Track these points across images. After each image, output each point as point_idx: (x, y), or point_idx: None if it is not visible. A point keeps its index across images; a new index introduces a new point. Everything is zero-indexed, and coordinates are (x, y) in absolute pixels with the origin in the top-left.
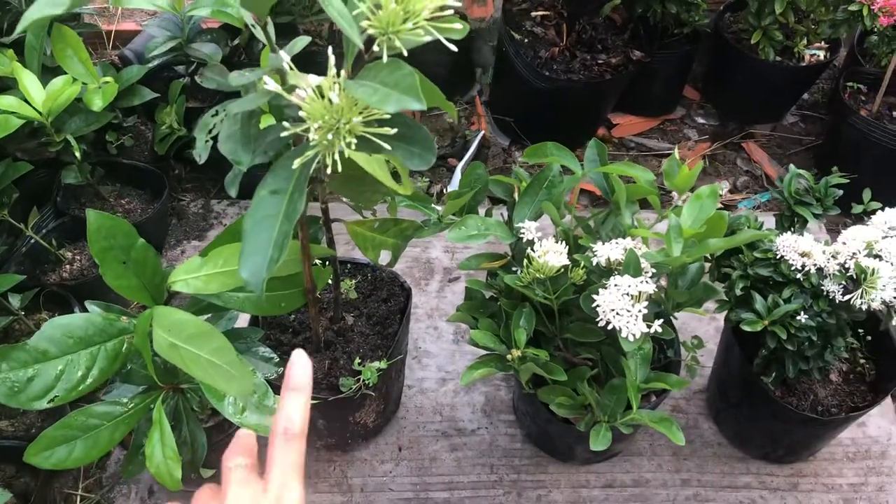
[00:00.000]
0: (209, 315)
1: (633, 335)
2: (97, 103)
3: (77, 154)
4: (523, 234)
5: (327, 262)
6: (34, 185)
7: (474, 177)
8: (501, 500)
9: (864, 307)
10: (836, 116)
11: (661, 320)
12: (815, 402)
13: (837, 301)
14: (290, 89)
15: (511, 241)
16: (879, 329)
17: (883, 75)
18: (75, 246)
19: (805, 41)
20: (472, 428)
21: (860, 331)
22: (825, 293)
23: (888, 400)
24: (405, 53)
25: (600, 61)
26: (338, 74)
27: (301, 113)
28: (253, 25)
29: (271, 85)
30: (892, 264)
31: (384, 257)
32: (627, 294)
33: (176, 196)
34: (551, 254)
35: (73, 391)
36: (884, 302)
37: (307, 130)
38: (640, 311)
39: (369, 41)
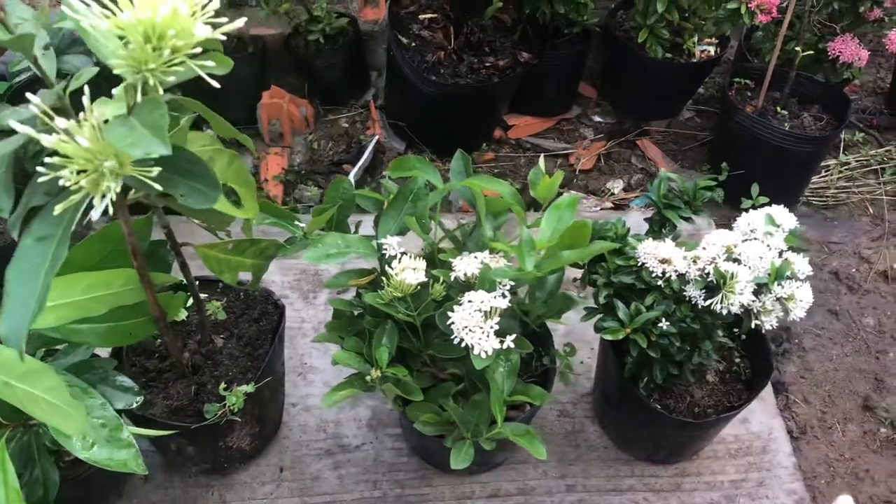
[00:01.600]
0: (63, 346)
1: (486, 352)
2: None
3: None
4: (385, 250)
5: (180, 289)
6: None
7: (340, 191)
8: None
9: (725, 311)
10: (724, 113)
11: (513, 336)
12: (692, 403)
13: (700, 306)
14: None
15: (377, 258)
16: (741, 331)
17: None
18: None
19: (695, 38)
20: (356, 444)
21: (735, 330)
22: (687, 299)
23: (770, 395)
24: (161, 92)
25: (487, 64)
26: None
27: (54, 159)
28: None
29: (20, 127)
30: (749, 268)
31: (246, 277)
32: (479, 310)
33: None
34: (408, 271)
35: None
36: (742, 305)
37: (67, 174)
38: (491, 327)
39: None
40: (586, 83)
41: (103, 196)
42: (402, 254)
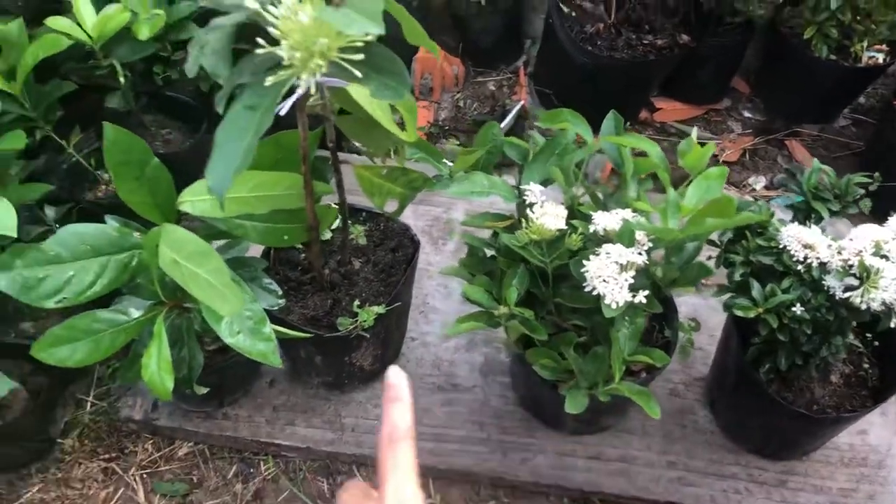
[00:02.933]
0: (222, 242)
1: (617, 302)
2: (144, 33)
3: (121, 79)
4: (527, 196)
5: (336, 205)
6: (82, 108)
7: (490, 136)
8: (486, 457)
9: (864, 306)
10: (883, 123)
11: (646, 292)
12: (812, 400)
13: (837, 297)
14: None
15: (515, 203)
16: (878, 330)
17: None
18: None
19: (864, 42)
20: (467, 385)
21: (868, 335)
22: (825, 288)
23: (893, 410)
24: None
25: (645, 42)
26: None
27: (275, 32)
28: None
29: (249, 1)
30: None
31: (391, 206)
32: (616, 262)
33: (214, 132)
34: (549, 216)
35: (81, 295)
36: (884, 303)
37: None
38: (626, 279)
39: None
40: (740, 77)
41: (311, 74)
42: (545, 201)
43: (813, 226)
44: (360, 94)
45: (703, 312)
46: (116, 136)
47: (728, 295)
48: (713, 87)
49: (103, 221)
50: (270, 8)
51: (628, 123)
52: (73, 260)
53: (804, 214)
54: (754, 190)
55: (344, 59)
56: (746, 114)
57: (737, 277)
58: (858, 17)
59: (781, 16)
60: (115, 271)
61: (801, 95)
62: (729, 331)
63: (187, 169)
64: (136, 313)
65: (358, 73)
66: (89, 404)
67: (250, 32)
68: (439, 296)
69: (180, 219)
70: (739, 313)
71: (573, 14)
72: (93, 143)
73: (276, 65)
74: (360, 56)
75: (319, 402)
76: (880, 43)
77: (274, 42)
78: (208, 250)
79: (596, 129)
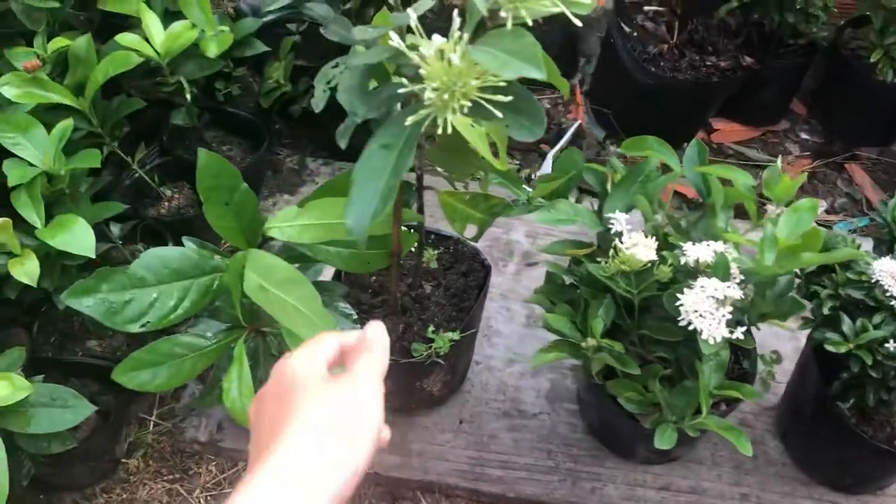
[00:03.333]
0: (297, 266)
1: (714, 338)
2: (212, 50)
3: (187, 96)
4: (612, 224)
5: (413, 230)
6: (143, 123)
7: (569, 162)
8: (556, 486)
9: None
10: None
11: (744, 328)
12: (892, 434)
13: None
14: (411, 48)
15: (598, 231)
16: None
17: None
18: (175, 185)
19: None
20: (533, 411)
21: None
22: None
23: None
24: (529, 23)
25: (709, 63)
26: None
27: (421, 72)
28: None
29: (396, 41)
30: None
31: (469, 231)
32: (713, 297)
33: (274, 150)
34: (640, 247)
35: (164, 319)
36: None
37: (423, 90)
38: (723, 315)
39: (492, 8)
40: (797, 98)
41: (452, 113)
42: (630, 230)
43: None
44: (460, 123)
45: (768, 340)
46: (208, 161)
47: (813, 327)
48: (772, 109)
49: (166, 240)
50: (417, 47)
51: (685, 144)
52: (157, 283)
53: (887, 246)
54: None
55: (487, 100)
56: (804, 135)
57: (825, 311)
58: None
59: (842, 38)
60: (197, 294)
61: (862, 118)
62: (806, 362)
63: (250, 186)
64: (215, 337)
65: (498, 114)
66: (152, 423)
67: (378, 70)
68: (502, 318)
69: (263, 243)
70: (831, 348)
71: (635, 34)
72: (155, 159)
73: (407, 100)
74: (507, 98)
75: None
76: None
77: (413, 78)
78: (299, 277)
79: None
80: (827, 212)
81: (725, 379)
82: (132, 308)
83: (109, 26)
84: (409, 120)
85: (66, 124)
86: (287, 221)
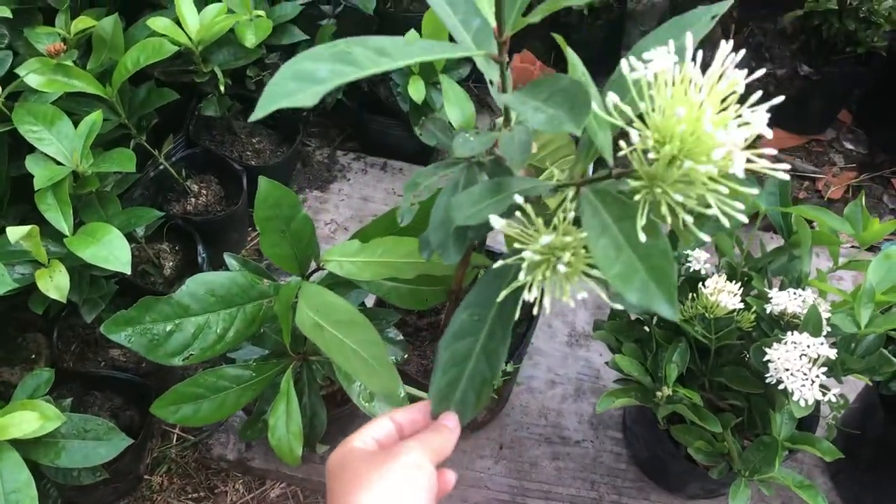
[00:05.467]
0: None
1: (807, 400)
2: (250, 39)
3: (222, 87)
4: (690, 262)
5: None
6: (168, 110)
7: None
8: None
9: None
10: None
11: (838, 390)
12: None
13: None
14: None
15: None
16: None
17: None
18: (201, 178)
19: None
20: (576, 438)
21: None
22: None
23: None
24: (668, 220)
25: (766, 70)
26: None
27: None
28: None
29: (508, 230)
30: None
31: None
32: (806, 355)
33: (302, 140)
34: (725, 294)
35: (209, 350)
36: None
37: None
38: (817, 375)
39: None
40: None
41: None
42: (708, 273)
43: None
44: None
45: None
46: (269, 191)
47: (889, 377)
48: (820, 118)
49: (195, 241)
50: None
51: None
52: (202, 312)
53: None
54: None
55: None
56: (848, 145)
57: None
58: None
59: None
60: (243, 322)
61: None
62: (869, 404)
63: (280, 180)
64: (259, 368)
65: (602, 294)
66: (175, 437)
67: None
68: (543, 336)
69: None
70: None
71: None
72: (180, 151)
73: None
74: (601, 275)
75: None
76: None
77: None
78: (360, 320)
79: None
80: None
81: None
82: (176, 339)
83: (135, 3)
84: (502, 295)
85: (94, 117)
86: (347, 256)
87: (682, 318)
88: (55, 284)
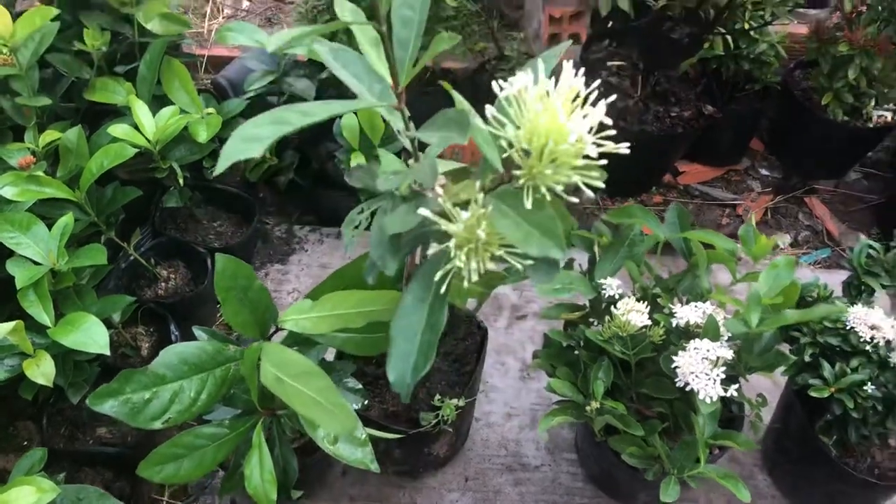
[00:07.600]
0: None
1: (711, 398)
2: (203, 135)
3: (180, 180)
4: (605, 289)
5: None
6: (134, 204)
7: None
8: None
9: None
10: None
11: (737, 385)
12: (872, 464)
13: None
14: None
15: (591, 296)
16: None
17: None
18: (169, 264)
19: (873, 102)
20: (535, 464)
21: None
22: (892, 365)
23: None
24: (548, 198)
25: (673, 114)
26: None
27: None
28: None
29: (425, 212)
30: None
31: (469, 304)
32: (706, 358)
33: (261, 219)
34: (634, 313)
35: (186, 413)
36: None
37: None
38: (717, 375)
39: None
40: (755, 137)
41: (475, 265)
42: (622, 295)
43: (876, 306)
44: None
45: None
46: (225, 265)
47: (795, 373)
48: (733, 149)
49: (167, 322)
50: (446, 222)
51: (654, 188)
52: (176, 379)
53: (856, 290)
54: (782, 248)
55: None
56: (763, 171)
57: (806, 357)
58: (872, 83)
59: (793, 79)
60: (214, 385)
61: (816, 153)
62: (788, 401)
63: (242, 258)
64: (232, 425)
65: (519, 266)
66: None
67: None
68: (497, 374)
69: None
70: (815, 394)
71: (600, 89)
72: (147, 241)
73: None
74: (529, 262)
75: (394, 490)
76: (889, 102)
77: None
78: (315, 371)
79: (620, 196)
80: (792, 245)
81: (718, 426)
82: (154, 405)
83: (96, 113)
84: (438, 275)
85: (66, 219)
86: (302, 314)
87: (602, 339)
88: (42, 371)
